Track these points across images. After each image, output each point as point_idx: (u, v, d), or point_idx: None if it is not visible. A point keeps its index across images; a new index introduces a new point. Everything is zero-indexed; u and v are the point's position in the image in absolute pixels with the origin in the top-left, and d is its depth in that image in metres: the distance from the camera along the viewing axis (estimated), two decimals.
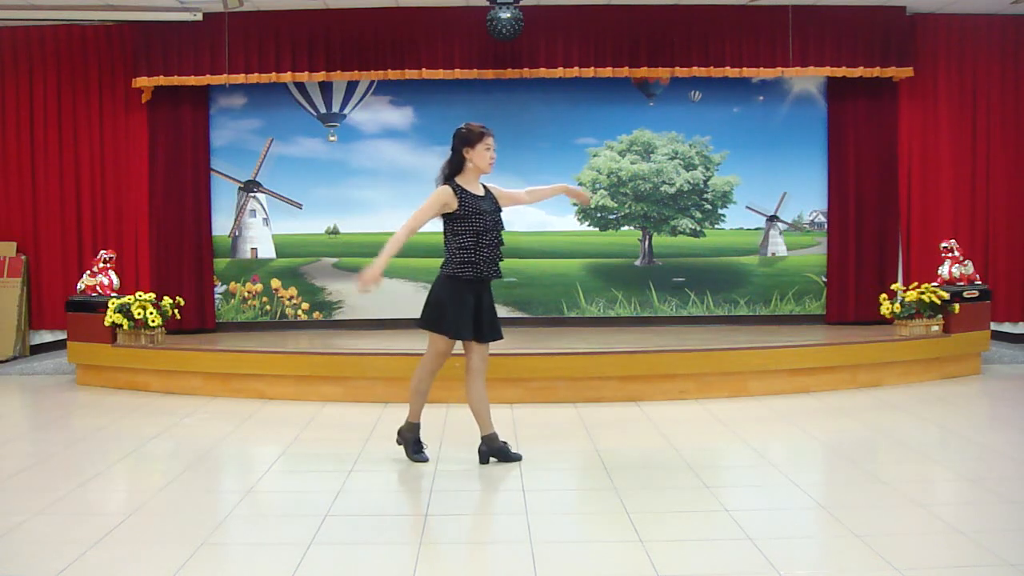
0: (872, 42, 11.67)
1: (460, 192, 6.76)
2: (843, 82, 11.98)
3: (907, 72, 11.74)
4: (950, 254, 10.85)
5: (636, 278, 12.50)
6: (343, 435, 7.97)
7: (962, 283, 10.74)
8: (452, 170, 6.86)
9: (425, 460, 7.04)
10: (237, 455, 7.69)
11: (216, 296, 12.09)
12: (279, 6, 11.06)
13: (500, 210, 6.96)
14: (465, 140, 6.81)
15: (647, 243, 12.50)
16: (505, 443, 7.06)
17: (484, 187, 6.96)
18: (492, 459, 6.99)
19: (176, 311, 10.54)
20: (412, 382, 7.17)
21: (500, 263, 6.92)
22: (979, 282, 10.93)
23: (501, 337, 7.02)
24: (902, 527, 5.58)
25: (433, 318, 6.90)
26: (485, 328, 6.90)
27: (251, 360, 9.71)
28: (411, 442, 7.12)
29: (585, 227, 12.47)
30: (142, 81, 11.40)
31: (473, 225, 6.74)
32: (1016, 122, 12.21)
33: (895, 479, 6.51)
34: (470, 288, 6.81)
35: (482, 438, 7.01)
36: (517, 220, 12.29)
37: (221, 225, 12.15)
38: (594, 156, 12.36)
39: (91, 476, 6.76)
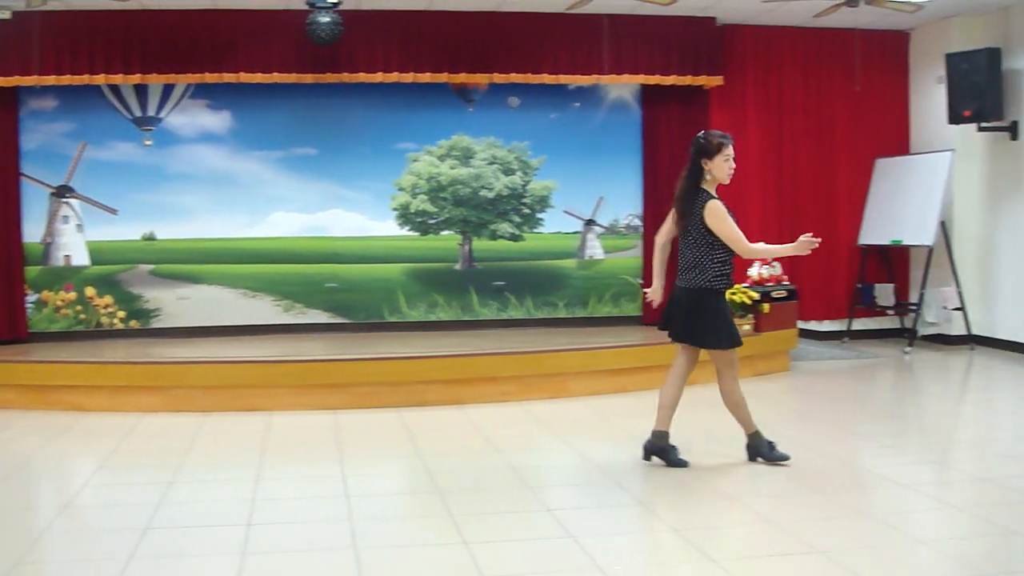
0: (684, 51, 12.02)
1: (722, 205, 6.68)
2: (657, 90, 12.30)
3: (717, 80, 12.14)
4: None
5: (457, 282, 12.60)
6: (163, 446, 7.83)
7: (770, 283, 11.11)
8: (693, 181, 6.70)
9: (785, 458, 6.92)
10: (53, 469, 7.47)
11: (28, 305, 11.69)
12: (93, 6, 10.75)
13: None
14: (704, 151, 6.66)
15: (467, 247, 12.61)
16: (674, 446, 6.98)
17: None
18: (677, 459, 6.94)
19: None
20: (728, 399, 6.98)
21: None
22: (786, 282, 11.32)
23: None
24: (718, 520, 5.81)
25: (732, 332, 6.87)
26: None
27: (66, 371, 9.43)
28: (764, 447, 6.97)
29: (405, 232, 12.51)
30: None
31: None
32: (818, 130, 12.76)
33: (711, 474, 6.74)
34: (724, 298, 6.88)
35: (653, 432, 6.98)
36: (336, 225, 12.29)
37: (32, 232, 11.74)
38: (414, 161, 12.41)
39: None
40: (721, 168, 6.67)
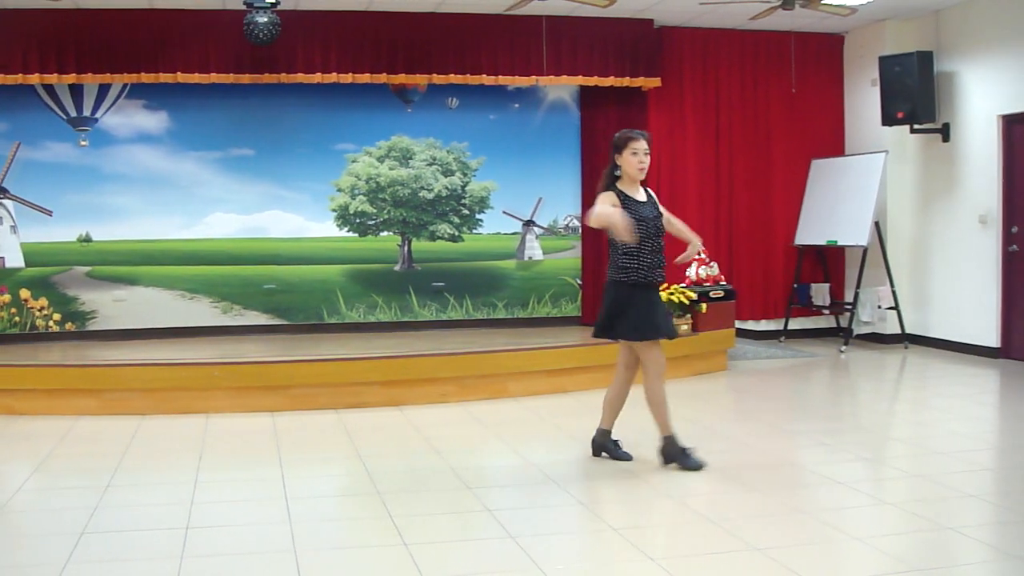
0: (622, 53, 12.09)
1: (623, 197, 6.69)
2: (595, 91, 12.37)
3: (655, 82, 12.22)
4: (697, 256, 11.29)
5: (396, 283, 12.60)
6: (99, 449, 7.75)
7: (708, 284, 11.20)
8: (610, 178, 6.77)
9: (699, 466, 6.79)
10: None
11: None
12: (27, 4, 10.62)
13: (661, 216, 6.86)
14: (614, 147, 6.76)
15: (406, 248, 12.61)
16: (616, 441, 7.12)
17: (647, 192, 6.89)
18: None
19: None
20: (649, 397, 6.89)
21: (663, 268, 6.82)
22: (724, 283, 11.41)
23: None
24: (656, 519, 5.87)
25: (643, 325, 6.76)
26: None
27: None
28: (678, 452, 6.83)
29: (344, 233, 12.48)
30: None
31: (642, 231, 6.63)
32: (755, 131, 12.89)
33: (649, 473, 6.77)
34: (643, 290, 6.75)
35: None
36: (275, 226, 12.25)
37: None
38: (353, 162, 12.40)
39: None
40: (629, 163, 6.73)
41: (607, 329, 6.88)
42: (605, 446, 7.09)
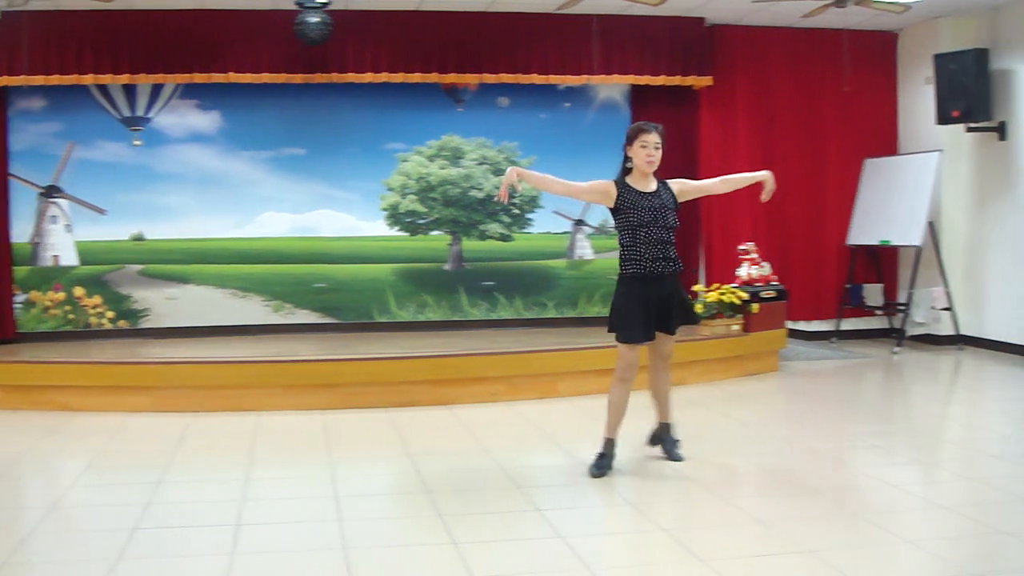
0: (673, 52, 12.04)
1: (621, 187, 6.70)
2: (646, 90, 12.32)
3: (707, 81, 12.16)
4: (748, 256, 11.24)
5: (446, 282, 12.61)
6: (151, 446, 7.81)
7: (760, 284, 11.12)
8: (623, 171, 6.78)
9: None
10: (40, 469, 7.46)
11: (16, 305, 11.68)
12: (82, 6, 10.72)
13: (672, 208, 6.75)
14: (626, 138, 6.74)
15: (456, 248, 12.61)
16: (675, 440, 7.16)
17: (662, 184, 6.82)
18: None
19: None
20: (609, 394, 6.89)
21: (670, 260, 6.69)
22: (775, 283, 11.33)
23: (673, 331, 6.88)
24: (707, 519, 5.81)
25: (611, 322, 6.81)
26: (662, 321, 6.76)
27: (54, 371, 9.41)
28: (606, 461, 6.83)
29: (395, 232, 12.51)
30: None
31: (628, 220, 6.64)
32: (808, 130, 12.78)
33: (699, 474, 6.74)
34: (642, 286, 6.67)
35: (659, 424, 7.12)
36: (326, 225, 12.30)
37: (20, 232, 11.73)
38: (403, 161, 12.42)
39: None
40: (638, 155, 6.68)
41: (610, 326, 6.90)
42: (661, 439, 7.16)
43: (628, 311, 6.70)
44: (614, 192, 6.69)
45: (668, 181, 6.90)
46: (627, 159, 6.76)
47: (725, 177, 7.35)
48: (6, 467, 7.27)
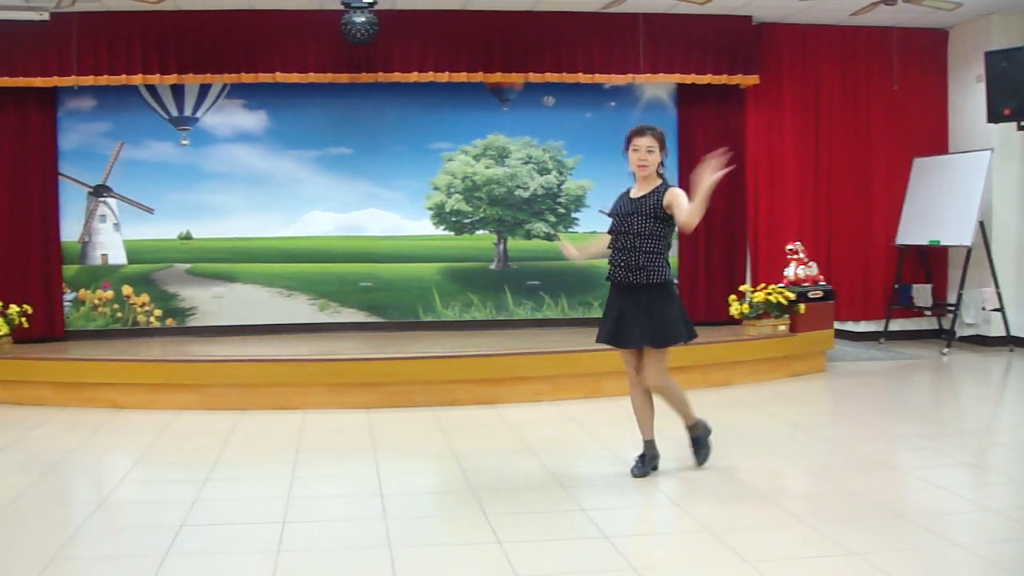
0: (720, 50, 11.98)
1: (620, 195, 6.75)
2: (692, 89, 12.25)
3: (753, 80, 12.08)
4: (795, 256, 11.18)
5: (491, 282, 12.60)
6: (198, 443, 7.88)
7: (807, 284, 11.06)
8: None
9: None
10: (89, 466, 7.54)
11: (65, 303, 11.79)
12: (130, 7, 10.81)
13: (647, 215, 6.48)
14: (624, 143, 6.66)
15: (502, 247, 12.60)
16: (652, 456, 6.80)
17: (658, 189, 6.55)
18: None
19: (23, 319, 10.27)
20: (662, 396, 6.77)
21: (635, 270, 6.47)
22: (823, 283, 11.26)
23: (652, 344, 6.56)
24: (752, 520, 5.76)
25: (602, 326, 6.78)
26: (625, 333, 6.57)
27: (102, 369, 9.51)
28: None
29: (440, 231, 12.51)
30: None
31: (611, 226, 6.68)
32: (856, 129, 12.68)
33: (745, 474, 6.71)
34: (617, 291, 6.65)
35: (644, 442, 6.80)
36: (371, 224, 12.32)
37: (69, 231, 11.83)
38: (449, 161, 12.42)
39: None
40: (631, 160, 6.61)
41: None
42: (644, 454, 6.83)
43: (605, 313, 6.76)
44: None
45: (668, 189, 6.58)
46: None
47: (679, 203, 6.84)
48: (56, 463, 7.35)
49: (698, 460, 6.88)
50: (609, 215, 6.77)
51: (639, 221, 6.52)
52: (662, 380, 6.64)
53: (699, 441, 6.90)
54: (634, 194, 6.65)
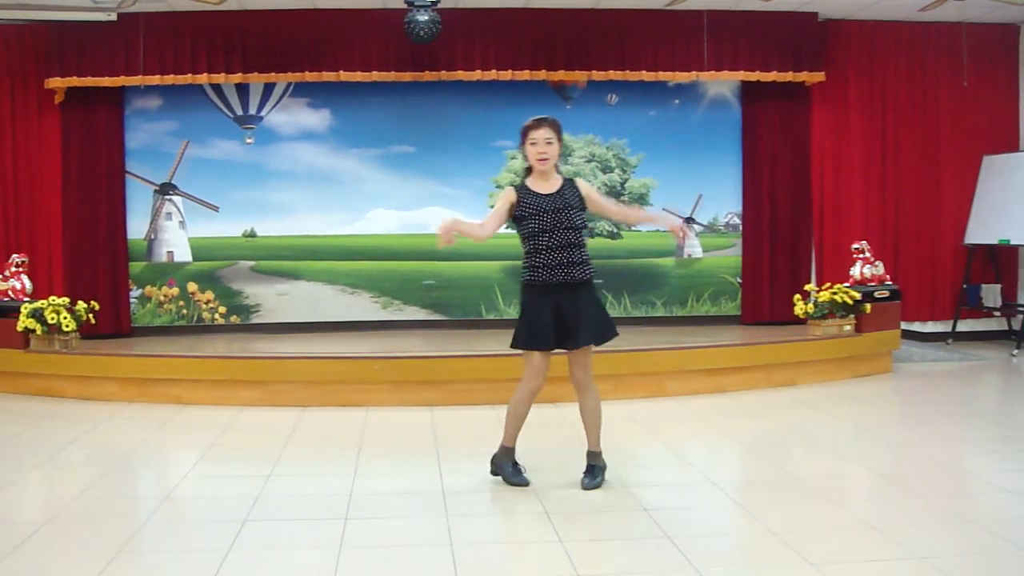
0: (785, 47, 11.87)
1: (522, 191, 6.38)
2: (757, 86, 12.14)
3: (819, 77, 11.96)
4: (861, 255, 11.05)
5: None
6: (261, 439, 7.93)
7: (873, 283, 10.94)
8: (526, 171, 6.52)
9: (525, 483, 6.49)
10: (154, 461, 7.61)
11: (132, 300, 11.94)
12: (194, 7, 10.91)
13: (578, 208, 6.39)
14: (520, 138, 6.40)
15: None
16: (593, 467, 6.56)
17: (567, 182, 6.45)
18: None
19: (91, 316, 10.38)
20: (509, 403, 6.59)
21: (578, 266, 6.37)
22: (889, 282, 11.13)
23: (596, 342, 6.49)
24: (817, 523, 5.70)
25: (519, 332, 6.41)
26: (568, 335, 6.37)
27: (167, 365, 9.60)
28: (507, 467, 6.59)
29: (503, 230, 12.45)
30: (55, 82, 11.18)
31: (530, 227, 6.30)
32: (923, 126, 12.51)
33: (810, 476, 6.64)
34: (545, 294, 6.33)
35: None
36: (434, 222, 12.18)
37: (136, 228, 11.99)
38: (512, 159, 12.40)
39: (3, 485, 6.66)
40: (530, 153, 6.35)
41: (514, 336, 6.50)
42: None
43: (528, 317, 6.38)
44: (514, 197, 6.37)
45: (576, 180, 6.53)
46: (526, 159, 6.44)
47: (623, 208, 6.68)
48: (122, 458, 7.43)
49: (493, 472, 6.69)
50: (519, 217, 6.39)
51: (575, 215, 6.38)
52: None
53: (496, 460, 6.70)
54: (545, 189, 6.38)
